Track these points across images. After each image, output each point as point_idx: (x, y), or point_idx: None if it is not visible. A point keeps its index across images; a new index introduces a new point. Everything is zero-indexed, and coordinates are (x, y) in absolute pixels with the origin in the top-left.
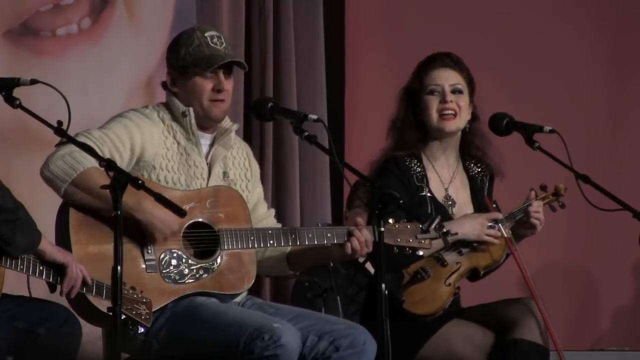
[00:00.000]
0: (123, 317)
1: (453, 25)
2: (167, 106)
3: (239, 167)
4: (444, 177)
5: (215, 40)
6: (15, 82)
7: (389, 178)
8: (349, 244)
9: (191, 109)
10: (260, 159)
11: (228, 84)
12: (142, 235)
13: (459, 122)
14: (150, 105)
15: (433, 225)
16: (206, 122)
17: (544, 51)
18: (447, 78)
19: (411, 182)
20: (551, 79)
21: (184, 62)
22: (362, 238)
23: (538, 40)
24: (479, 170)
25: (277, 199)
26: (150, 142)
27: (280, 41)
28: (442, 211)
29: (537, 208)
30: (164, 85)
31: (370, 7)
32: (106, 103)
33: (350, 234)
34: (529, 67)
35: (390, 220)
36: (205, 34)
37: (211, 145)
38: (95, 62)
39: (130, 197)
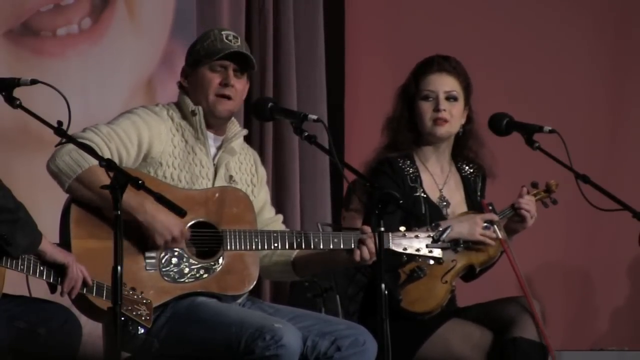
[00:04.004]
0: (123, 318)
1: (453, 25)
2: (178, 105)
3: (245, 172)
4: (438, 178)
5: (230, 37)
6: (15, 82)
7: (383, 179)
8: (358, 252)
9: (200, 108)
10: (261, 159)
11: (238, 83)
12: (144, 233)
13: (451, 128)
14: (161, 103)
15: (444, 235)
16: (212, 119)
17: (543, 51)
18: (443, 84)
19: (405, 183)
20: (551, 79)
21: (196, 56)
22: (374, 249)
23: (538, 40)
24: (472, 170)
25: (277, 199)
26: (157, 139)
27: (280, 41)
28: (436, 212)
29: (527, 200)
30: (180, 86)
31: (370, 7)
32: (106, 103)
33: (361, 241)
34: (528, 67)
35: (402, 228)
36: (222, 32)
37: (219, 148)
38: (96, 62)
39: (134, 198)
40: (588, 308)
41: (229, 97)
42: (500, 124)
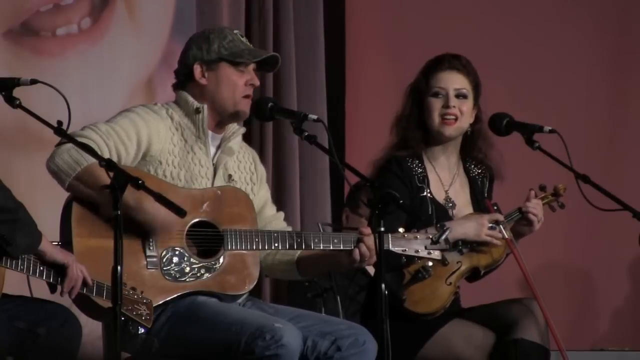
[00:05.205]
0: (123, 318)
1: (453, 25)
2: (178, 104)
3: (244, 170)
4: (445, 178)
5: (244, 37)
6: (15, 82)
7: (391, 178)
8: (357, 250)
9: (205, 106)
10: (260, 159)
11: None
12: (144, 232)
13: (460, 127)
14: (160, 102)
15: (443, 237)
16: (230, 117)
17: (544, 51)
18: (453, 82)
19: (412, 182)
20: (551, 79)
21: (218, 55)
22: (372, 246)
23: (538, 40)
24: (480, 171)
25: (277, 199)
26: (157, 137)
27: (280, 41)
28: (443, 213)
29: (534, 204)
30: (176, 85)
31: (370, 7)
32: (106, 103)
33: (359, 241)
34: (529, 67)
35: (400, 230)
36: (234, 32)
37: (218, 147)
38: (95, 62)
39: (131, 197)
40: (588, 308)
41: (250, 96)
42: (500, 124)
